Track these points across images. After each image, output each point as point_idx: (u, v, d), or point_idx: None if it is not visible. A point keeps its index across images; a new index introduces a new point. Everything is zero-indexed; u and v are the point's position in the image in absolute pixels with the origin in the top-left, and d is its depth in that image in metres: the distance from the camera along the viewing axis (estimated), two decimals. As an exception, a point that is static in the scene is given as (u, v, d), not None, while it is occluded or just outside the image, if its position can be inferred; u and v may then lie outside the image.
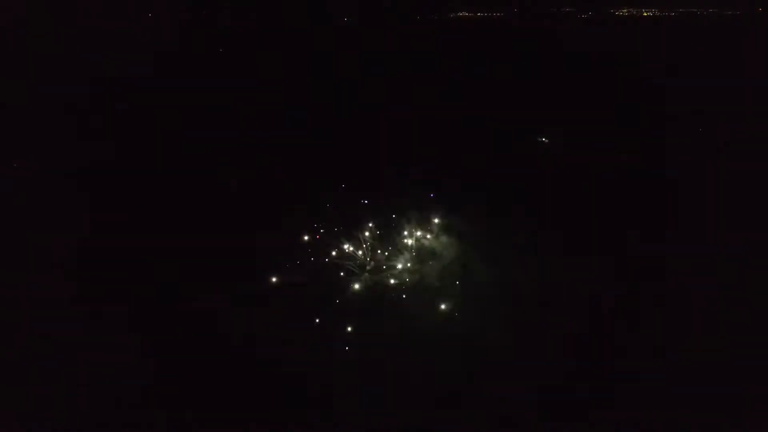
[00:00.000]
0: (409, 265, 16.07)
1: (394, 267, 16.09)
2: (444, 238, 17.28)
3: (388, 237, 17.35)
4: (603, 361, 13.11)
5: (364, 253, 16.49)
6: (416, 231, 17.43)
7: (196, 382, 12.72)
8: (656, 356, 13.13)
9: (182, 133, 24.88)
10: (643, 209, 19.28)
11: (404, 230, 17.43)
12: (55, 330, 13.60)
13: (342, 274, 15.80)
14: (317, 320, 14.31)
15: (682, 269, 15.94)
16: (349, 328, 14.03)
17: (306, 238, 17.23)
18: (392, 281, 15.61)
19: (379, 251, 16.61)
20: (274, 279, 15.29)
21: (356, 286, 15.24)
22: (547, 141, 24.88)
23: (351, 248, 16.57)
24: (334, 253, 16.48)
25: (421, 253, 16.54)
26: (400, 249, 16.77)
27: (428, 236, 17.23)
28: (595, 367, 12.95)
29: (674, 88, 31.92)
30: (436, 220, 17.80)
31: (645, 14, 39.76)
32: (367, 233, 17.13)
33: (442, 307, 14.60)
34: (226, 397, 12.43)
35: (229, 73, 32.62)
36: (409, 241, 17.06)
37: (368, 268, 16.06)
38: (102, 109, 26.30)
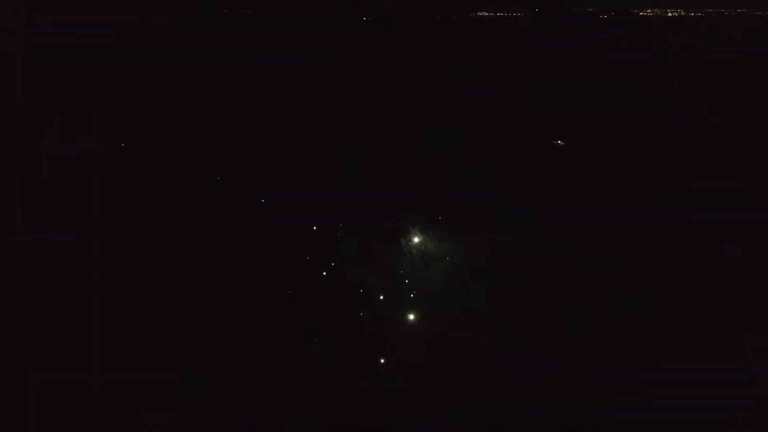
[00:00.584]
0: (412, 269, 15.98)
1: (398, 271, 16.00)
2: (450, 243, 17.11)
3: (393, 240, 17.28)
4: (605, 365, 12.87)
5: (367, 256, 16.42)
6: (421, 234, 17.26)
7: (189, 380, 12.68)
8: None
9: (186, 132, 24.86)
10: (661, 214, 18.84)
11: (409, 233, 17.34)
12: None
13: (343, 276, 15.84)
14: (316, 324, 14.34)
15: (687, 272, 15.54)
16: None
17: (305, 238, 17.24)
18: (394, 284, 15.54)
19: (383, 255, 16.54)
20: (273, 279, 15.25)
21: (359, 289, 15.23)
22: (563, 144, 24.50)
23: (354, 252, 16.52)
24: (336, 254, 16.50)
25: (426, 258, 16.37)
26: (404, 253, 16.67)
27: (433, 240, 17.09)
28: (598, 372, 12.68)
29: (700, 91, 31.25)
30: (443, 224, 17.62)
31: (670, 15, 38.59)
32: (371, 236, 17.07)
33: (444, 313, 14.48)
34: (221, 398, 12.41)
35: (240, 73, 32.68)
36: (414, 243, 16.92)
37: (370, 272, 15.95)
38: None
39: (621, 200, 18.90)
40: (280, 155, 22.20)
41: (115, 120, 23.95)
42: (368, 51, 40.53)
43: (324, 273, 15.23)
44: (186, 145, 22.87)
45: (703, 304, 13.91)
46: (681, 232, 16.98)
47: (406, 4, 43.66)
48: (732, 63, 34.12)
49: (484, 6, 41.55)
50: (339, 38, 40.68)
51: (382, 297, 14.59)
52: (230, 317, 13.51)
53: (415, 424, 11.19)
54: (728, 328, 13.16)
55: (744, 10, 37.80)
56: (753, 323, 13.26)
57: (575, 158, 22.72)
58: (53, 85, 24.40)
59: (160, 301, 14.07)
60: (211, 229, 16.73)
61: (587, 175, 21.14)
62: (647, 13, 39.05)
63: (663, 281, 14.77)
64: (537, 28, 41.50)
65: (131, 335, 12.88)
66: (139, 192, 19.10)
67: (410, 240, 16.40)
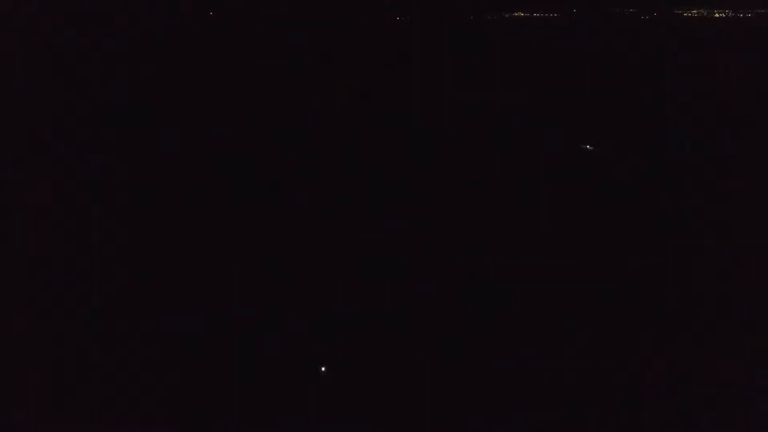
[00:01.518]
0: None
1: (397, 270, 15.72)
2: (451, 243, 16.78)
3: (393, 239, 16.96)
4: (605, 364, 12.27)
5: None
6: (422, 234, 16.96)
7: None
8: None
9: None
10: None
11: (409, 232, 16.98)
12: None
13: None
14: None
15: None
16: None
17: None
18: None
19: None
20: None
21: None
22: (591, 148, 23.74)
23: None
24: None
25: (425, 258, 16.08)
26: (403, 252, 16.43)
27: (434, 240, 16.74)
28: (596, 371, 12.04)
29: (748, 98, 29.79)
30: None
31: (717, 15, 36.73)
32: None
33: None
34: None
35: (240, 74, 32.45)
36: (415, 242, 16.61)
37: None
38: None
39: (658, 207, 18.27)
40: (279, 155, 22.11)
41: (114, 120, 24.31)
42: (402, 51, 40.20)
43: (321, 274, 15.05)
44: (185, 145, 22.96)
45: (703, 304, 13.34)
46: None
47: (442, 5, 43.16)
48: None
49: (519, 6, 40.64)
50: (339, 38, 40.32)
51: (380, 297, 14.39)
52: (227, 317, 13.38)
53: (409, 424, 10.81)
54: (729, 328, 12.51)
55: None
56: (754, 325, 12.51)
57: (599, 160, 22.03)
58: (53, 85, 24.76)
59: (161, 300, 14.03)
60: (209, 229, 16.68)
61: (607, 178, 20.52)
62: (692, 13, 37.12)
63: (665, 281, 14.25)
64: (574, 30, 40.26)
65: (131, 337, 12.84)
66: (139, 192, 19.27)
67: (410, 239, 16.18)
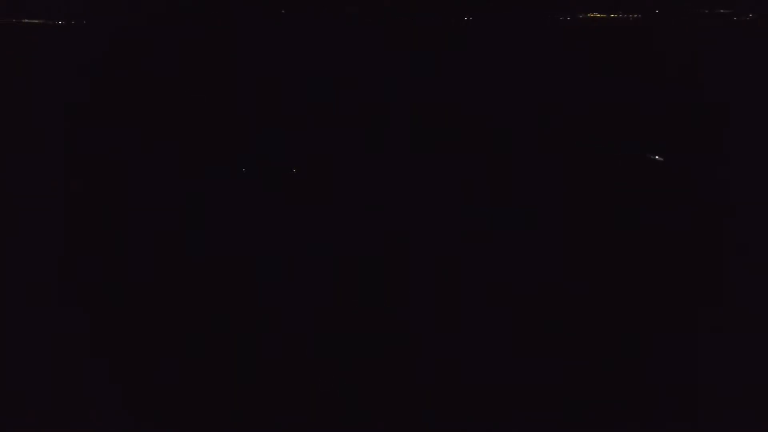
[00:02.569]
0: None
1: (396, 271, 14.74)
2: (455, 245, 15.48)
3: (394, 241, 15.92)
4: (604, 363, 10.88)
5: None
6: (425, 236, 15.86)
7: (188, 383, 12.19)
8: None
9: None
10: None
11: (412, 235, 15.98)
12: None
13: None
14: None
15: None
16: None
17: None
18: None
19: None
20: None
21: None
22: (661, 159, 21.40)
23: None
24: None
25: (428, 260, 14.93)
26: (404, 254, 15.26)
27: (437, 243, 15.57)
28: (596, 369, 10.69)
29: None
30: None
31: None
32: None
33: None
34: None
35: (237, 73, 31.96)
36: (416, 244, 15.53)
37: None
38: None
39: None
40: (278, 155, 21.43)
41: (115, 121, 24.40)
42: (466, 54, 38.97)
43: (321, 273, 14.25)
44: (185, 145, 22.69)
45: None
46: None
47: (511, 4, 41.43)
48: None
49: (595, 7, 38.19)
50: (340, 38, 38.93)
51: (380, 297, 13.40)
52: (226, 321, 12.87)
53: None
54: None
55: None
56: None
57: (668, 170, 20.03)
58: (54, 85, 25.06)
59: (160, 299, 13.67)
60: (209, 229, 16.29)
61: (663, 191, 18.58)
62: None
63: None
64: (657, 32, 37.42)
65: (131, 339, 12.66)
66: (140, 193, 19.08)
67: (412, 241, 14.93)
